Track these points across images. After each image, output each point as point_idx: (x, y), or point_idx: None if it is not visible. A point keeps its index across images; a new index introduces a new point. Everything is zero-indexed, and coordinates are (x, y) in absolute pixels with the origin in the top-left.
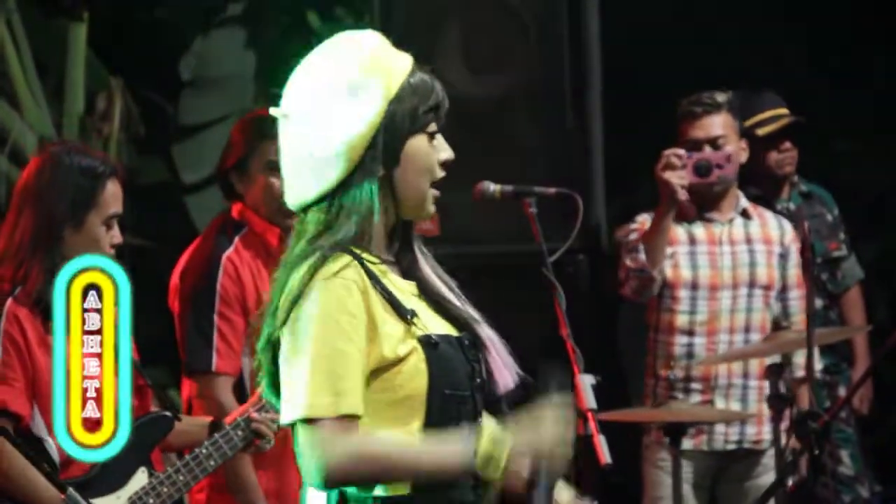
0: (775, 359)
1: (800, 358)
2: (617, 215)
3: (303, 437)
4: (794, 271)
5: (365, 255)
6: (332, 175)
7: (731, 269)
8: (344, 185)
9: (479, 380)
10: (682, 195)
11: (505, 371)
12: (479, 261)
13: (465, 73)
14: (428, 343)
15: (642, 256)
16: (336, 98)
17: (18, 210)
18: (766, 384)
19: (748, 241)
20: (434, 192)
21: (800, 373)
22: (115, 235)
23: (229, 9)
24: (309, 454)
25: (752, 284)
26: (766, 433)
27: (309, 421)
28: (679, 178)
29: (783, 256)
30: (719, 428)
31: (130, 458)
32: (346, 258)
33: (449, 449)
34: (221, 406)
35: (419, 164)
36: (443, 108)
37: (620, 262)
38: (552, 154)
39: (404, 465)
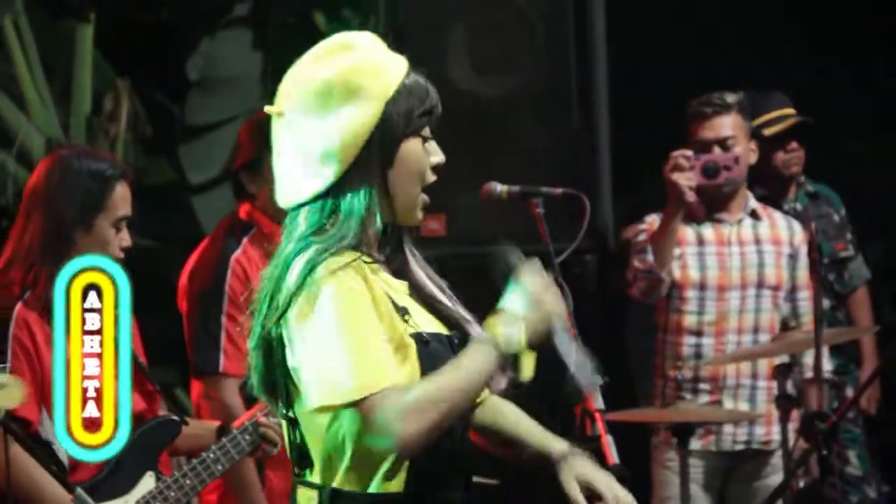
0: (783, 359)
1: (808, 358)
2: (624, 216)
3: (357, 418)
4: (804, 272)
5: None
6: (326, 175)
7: (740, 270)
8: (338, 186)
9: None
10: (690, 196)
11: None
12: (485, 261)
13: (471, 74)
14: (420, 341)
15: (650, 257)
16: (332, 98)
17: (28, 214)
18: (775, 384)
19: (757, 241)
20: (424, 198)
21: (808, 373)
22: (125, 238)
23: (236, 9)
24: (375, 432)
25: (760, 285)
26: (775, 433)
27: (358, 402)
28: (687, 180)
29: (792, 257)
30: (728, 428)
31: (138, 463)
32: (350, 254)
33: (473, 355)
34: (228, 407)
35: (412, 166)
36: (436, 111)
37: (629, 263)
38: (558, 154)
39: (454, 389)
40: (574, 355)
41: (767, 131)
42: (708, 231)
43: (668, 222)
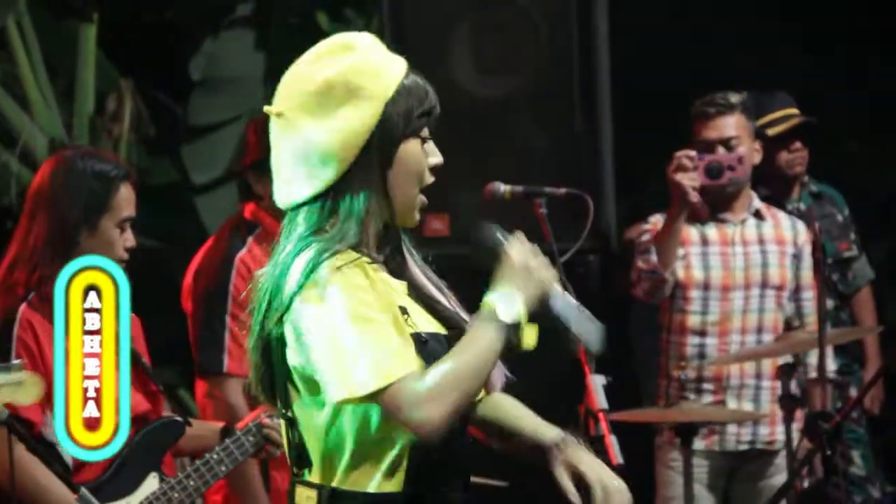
0: (787, 359)
1: (812, 358)
2: (627, 216)
3: (385, 405)
4: (808, 272)
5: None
6: (326, 175)
7: (744, 270)
8: (337, 186)
9: None
10: (694, 197)
11: (494, 370)
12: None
13: (474, 74)
14: (418, 340)
15: (654, 258)
16: (331, 99)
17: (32, 215)
18: (779, 384)
19: (761, 241)
20: (422, 199)
21: (812, 373)
22: (129, 238)
23: (238, 10)
24: (402, 420)
25: (764, 285)
26: (779, 434)
27: (380, 393)
28: (690, 180)
29: (796, 257)
30: (731, 428)
31: (141, 464)
32: (353, 254)
33: (481, 333)
34: (231, 407)
35: (411, 167)
36: (435, 112)
37: (632, 264)
38: (561, 155)
39: (470, 368)
40: (573, 313)
41: (771, 131)
42: (712, 231)
43: (672, 222)
